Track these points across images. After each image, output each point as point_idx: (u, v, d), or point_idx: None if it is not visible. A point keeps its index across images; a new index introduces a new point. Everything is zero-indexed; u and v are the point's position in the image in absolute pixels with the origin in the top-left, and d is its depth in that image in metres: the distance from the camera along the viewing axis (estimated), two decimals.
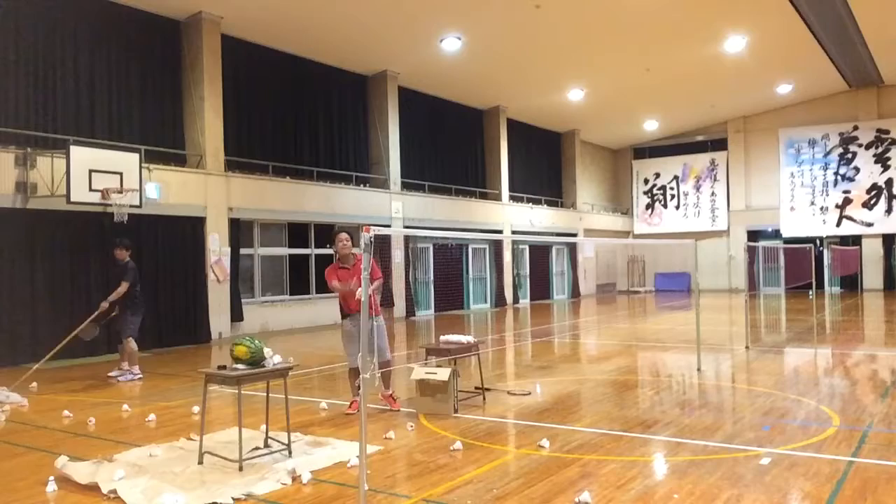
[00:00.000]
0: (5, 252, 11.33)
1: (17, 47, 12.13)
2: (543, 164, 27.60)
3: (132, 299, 9.89)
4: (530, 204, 25.55)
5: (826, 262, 25.24)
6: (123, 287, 9.71)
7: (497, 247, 23.14)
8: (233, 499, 4.59)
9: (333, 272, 7.16)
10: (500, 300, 23.11)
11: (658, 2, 16.48)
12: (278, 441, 5.71)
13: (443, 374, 6.99)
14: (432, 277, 20.92)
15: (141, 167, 12.27)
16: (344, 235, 7.19)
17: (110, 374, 9.92)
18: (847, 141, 26.97)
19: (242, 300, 15.26)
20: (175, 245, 13.80)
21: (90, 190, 11.42)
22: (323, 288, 17.08)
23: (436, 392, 7.03)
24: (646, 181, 31.83)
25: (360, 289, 5.61)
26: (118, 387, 9.36)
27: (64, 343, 9.35)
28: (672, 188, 31.17)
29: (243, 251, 15.50)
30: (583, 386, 8.67)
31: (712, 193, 30.19)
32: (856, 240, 26.84)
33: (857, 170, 26.86)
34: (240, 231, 15.25)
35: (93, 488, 4.82)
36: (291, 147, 17.19)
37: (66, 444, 6.16)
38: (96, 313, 9.58)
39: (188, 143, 14.77)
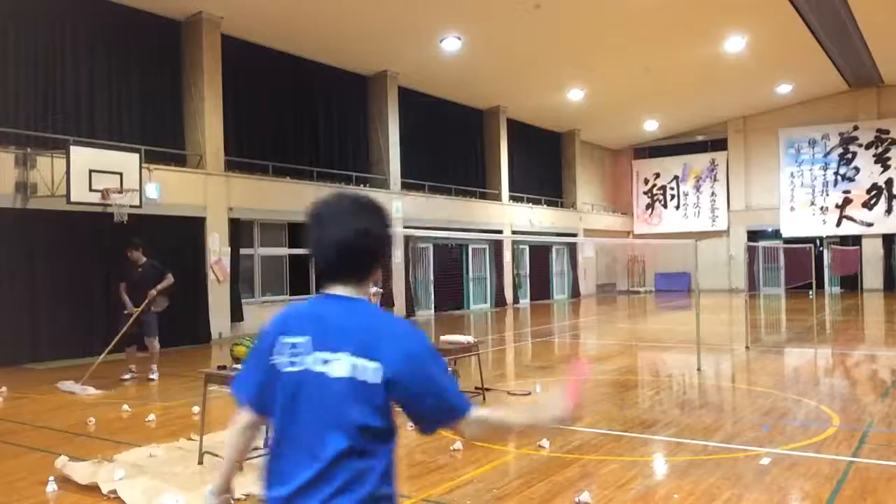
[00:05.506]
0: (5, 252, 11.32)
1: (17, 47, 12.13)
2: (543, 164, 27.58)
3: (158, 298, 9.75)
4: (530, 204, 25.54)
5: (826, 262, 25.23)
6: (169, 280, 9.66)
7: (497, 247, 23.11)
8: (233, 499, 4.58)
9: None
10: (500, 300, 23.10)
11: (658, 2, 16.46)
12: None
13: None
14: (432, 277, 20.92)
15: (141, 167, 12.27)
16: None
17: (151, 377, 9.64)
18: (847, 141, 26.95)
19: (242, 300, 15.24)
20: (175, 245, 13.75)
21: (90, 190, 11.41)
22: None
23: None
24: (646, 181, 31.82)
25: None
26: (118, 387, 9.35)
27: (126, 328, 9.31)
28: (672, 188, 31.16)
29: (243, 251, 15.49)
30: (583, 386, 8.65)
31: (712, 193, 30.17)
32: (856, 240, 26.80)
33: (857, 170, 26.84)
34: (240, 231, 15.24)
35: (93, 488, 4.83)
36: (291, 147, 17.18)
37: (66, 444, 6.15)
38: (146, 302, 9.38)
39: (188, 143, 14.77)
